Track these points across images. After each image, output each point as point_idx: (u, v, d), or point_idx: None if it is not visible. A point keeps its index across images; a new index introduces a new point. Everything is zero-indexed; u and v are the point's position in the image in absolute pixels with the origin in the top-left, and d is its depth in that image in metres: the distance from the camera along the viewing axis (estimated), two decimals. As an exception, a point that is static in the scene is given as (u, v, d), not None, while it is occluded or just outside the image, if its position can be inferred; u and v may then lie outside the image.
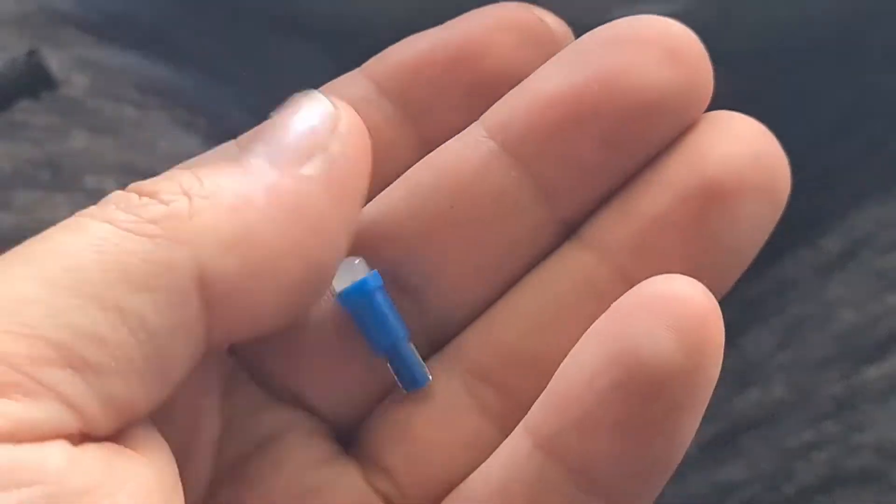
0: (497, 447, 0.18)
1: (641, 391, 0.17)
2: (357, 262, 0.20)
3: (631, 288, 0.17)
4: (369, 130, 0.19)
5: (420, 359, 0.20)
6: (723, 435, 0.28)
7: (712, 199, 0.19)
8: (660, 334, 0.17)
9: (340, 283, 0.20)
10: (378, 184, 0.20)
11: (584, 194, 0.20)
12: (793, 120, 0.29)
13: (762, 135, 0.19)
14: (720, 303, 0.27)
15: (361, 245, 0.19)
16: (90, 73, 0.27)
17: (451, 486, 0.19)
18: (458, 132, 0.20)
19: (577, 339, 0.18)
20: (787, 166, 0.19)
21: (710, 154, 0.19)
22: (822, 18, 0.29)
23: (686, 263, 0.18)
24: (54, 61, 0.24)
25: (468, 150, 0.20)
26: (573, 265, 0.20)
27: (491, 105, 0.20)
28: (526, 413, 0.18)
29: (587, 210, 0.20)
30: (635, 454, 0.17)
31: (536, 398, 0.18)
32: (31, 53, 0.24)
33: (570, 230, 0.20)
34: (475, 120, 0.20)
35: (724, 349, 0.28)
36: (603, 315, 0.17)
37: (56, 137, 0.27)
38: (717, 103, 0.30)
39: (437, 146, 0.20)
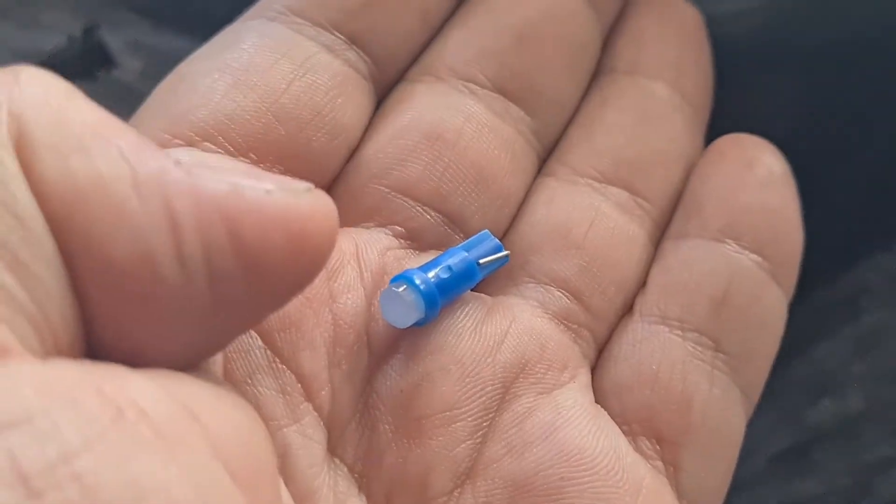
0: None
1: None
2: (402, 289, 0.19)
3: None
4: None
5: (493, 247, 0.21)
6: (795, 448, 0.27)
7: None
8: None
9: (393, 313, 0.19)
10: None
11: None
12: (876, 118, 0.28)
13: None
14: (791, 310, 0.26)
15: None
16: (143, 57, 0.26)
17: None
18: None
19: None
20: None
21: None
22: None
23: None
24: (108, 44, 0.23)
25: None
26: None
27: None
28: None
29: None
30: None
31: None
32: (89, 31, 0.23)
33: None
34: None
35: (796, 359, 0.28)
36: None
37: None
38: (794, 101, 0.29)
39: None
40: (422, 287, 0.19)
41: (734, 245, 0.22)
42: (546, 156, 0.23)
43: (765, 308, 0.22)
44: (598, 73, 0.24)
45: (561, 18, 0.23)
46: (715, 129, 0.25)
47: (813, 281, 0.28)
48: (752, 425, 0.28)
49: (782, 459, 0.27)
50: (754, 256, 0.22)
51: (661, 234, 0.23)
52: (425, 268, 0.20)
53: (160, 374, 0.16)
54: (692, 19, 0.25)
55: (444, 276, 0.19)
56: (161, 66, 0.24)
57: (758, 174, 0.23)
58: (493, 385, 0.19)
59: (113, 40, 0.26)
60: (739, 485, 0.28)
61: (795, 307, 0.28)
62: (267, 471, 0.17)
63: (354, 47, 0.22)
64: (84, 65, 0.24)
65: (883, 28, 0.27)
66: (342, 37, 0.21)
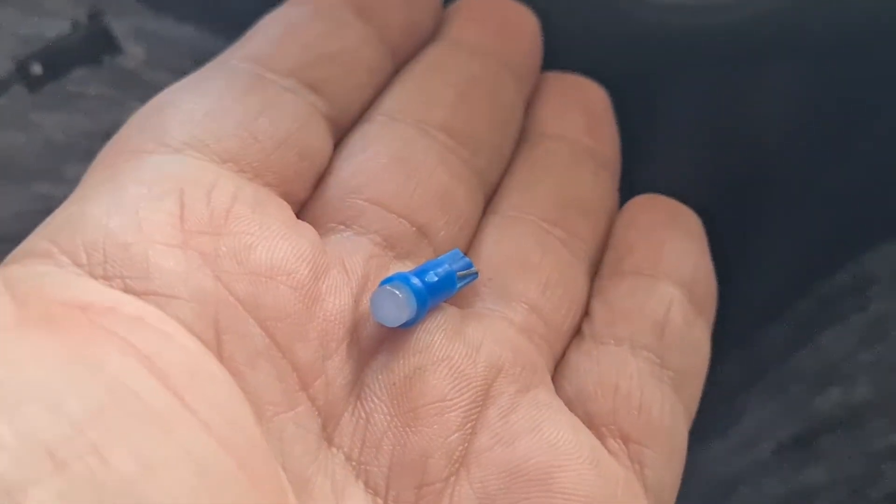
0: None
1: None
2: (397, 289, 0.20)
3: None
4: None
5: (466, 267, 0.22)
6: (801, 437, 0.27)
7: None
8: None
9: (384, 312, 0.20)
10: None
11: None
12: (882, 106, 0.28)
13: None
14: (796, 299, 0.26)
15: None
16: (146, 44, 0.26)
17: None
18: None
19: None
20: None
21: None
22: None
23: None
24: (113, 30, 0.23)
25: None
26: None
27: None
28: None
29: None
30: None
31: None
32: (94, 16, 0.23)
33: None
34: None
35: (803, 348, 0.28)
36: None
37: (111, 109, 0.26)
38: (800, 88, 0.29)
39: None
40: (416, 286, 0.20)
41: (666, 281, 0.24)
42: (490, 198, 0.25)
43: (696, 334, 0.24)
44: (524, 134, 0.26)
45: (491, 82, 0.25)
46: (725, 118, 0.25)
47: (820, 270, 0.28)
48: (758, 414, 0.28)
49: (789, 449, 0.27)
50: (683, 290, 0.24)
51: (594, 271, 0.25)
52: (415, 272, 0.21)
53: (144, 346, 0.17)
54: (598, 95, 0.27)
55: (432, 280, 0.21)
56: (164, 53, 0.24)
57: (677, 226, 0.25)
58: (476, 381, 0.21)
59: (117, 26, 0.26)
60: (746, 475, 0.28)
61: (802, 296, 0.28)
62: (259, 450, 0.18)
63: (312, 93, 0.23)
64: (89, 50, 0.24)
65: (891, 15, 0.27)
66: (300, 84, 0.23)
